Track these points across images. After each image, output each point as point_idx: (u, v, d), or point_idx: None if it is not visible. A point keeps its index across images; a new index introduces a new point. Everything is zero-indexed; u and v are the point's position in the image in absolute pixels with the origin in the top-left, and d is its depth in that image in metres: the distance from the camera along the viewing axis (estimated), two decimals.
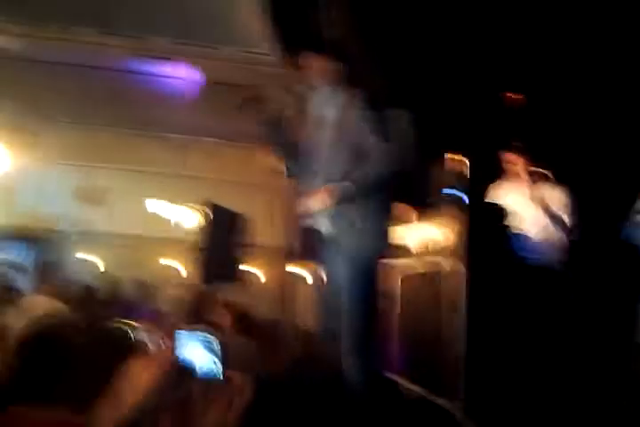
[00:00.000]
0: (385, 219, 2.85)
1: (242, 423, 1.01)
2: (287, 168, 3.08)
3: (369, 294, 2.80)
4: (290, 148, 2.95)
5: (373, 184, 2.75)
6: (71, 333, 1.75)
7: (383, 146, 2.72)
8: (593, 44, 4.62)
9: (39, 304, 2.05)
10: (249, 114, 2.87)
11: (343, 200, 2.72)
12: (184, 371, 1.04)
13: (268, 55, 5.66)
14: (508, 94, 5.24)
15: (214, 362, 1.04)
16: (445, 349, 3.34)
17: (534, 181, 4.24)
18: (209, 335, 1.06)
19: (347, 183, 2.73)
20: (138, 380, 1.04)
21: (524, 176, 4.24)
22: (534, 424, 3.09)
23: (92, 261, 10.18)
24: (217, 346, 1.05)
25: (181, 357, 1.04)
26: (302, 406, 3.20)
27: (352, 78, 2.93)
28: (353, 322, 2.75)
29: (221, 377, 1.04)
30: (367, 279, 2.79)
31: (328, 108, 2.92)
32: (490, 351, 3.26)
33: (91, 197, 10.16)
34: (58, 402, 1.37)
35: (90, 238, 10.23)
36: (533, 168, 4.25)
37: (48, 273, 9.84)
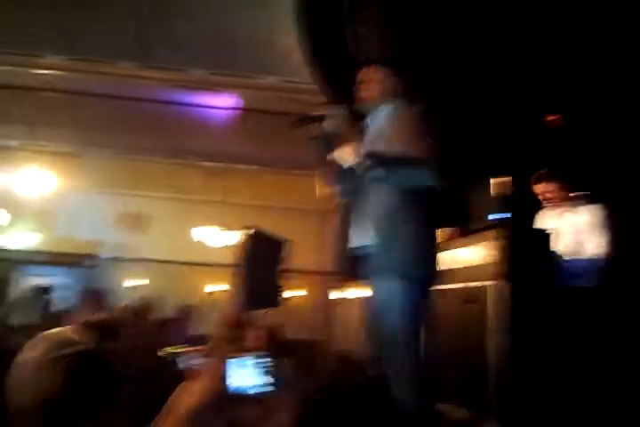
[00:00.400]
0: (428, 246, 2.84)
1: None
2: (339, 189, 3.04)
3: (410, 314, 2.71)
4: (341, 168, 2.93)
5: (407, 180, 2.72)
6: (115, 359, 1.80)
7: (427, 158, 2.68)
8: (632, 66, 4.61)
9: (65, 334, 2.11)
10: (304, 132, 2.87)
11: (372, 170, 2.72)
12: (234, 393, 1.07)
13: (307, 84, 5.76)
14: (548, 117, 5.24)
15: (265, 384, 1.08)
16: (488, 372, 3.31)
17: (571, 205, 4.22)
18: (260, 359, 1.10)
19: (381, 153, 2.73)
20: (188, 402, 1.07)
21: (558, 201, 4.23)
22: None
23: (132, 287, 10.31)
24: (268, 369, 1.09)
25: (232, 383, 1.08)
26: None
27: (404, 92, 2.93)
28: (394, 347, 2.71)
29: (271, 397, 1.07)
30: (410, 299, 2.71)
31: (381, 122, 2.93)
32: (533, 375, 3.23)
33: (132, 223, 10.37)
34: None
35: (130, 265, 10.40)
36: (570, 193, 4.24)
37: (88, 299, 10.03)
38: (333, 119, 2.92)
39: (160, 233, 10.18)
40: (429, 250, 2.82)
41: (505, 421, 3.13)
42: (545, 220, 4.32)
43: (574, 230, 4.13)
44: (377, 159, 2.74)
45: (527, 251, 3.43)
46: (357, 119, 3.05)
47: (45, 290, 8.27)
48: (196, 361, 1.88)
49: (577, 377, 3.31)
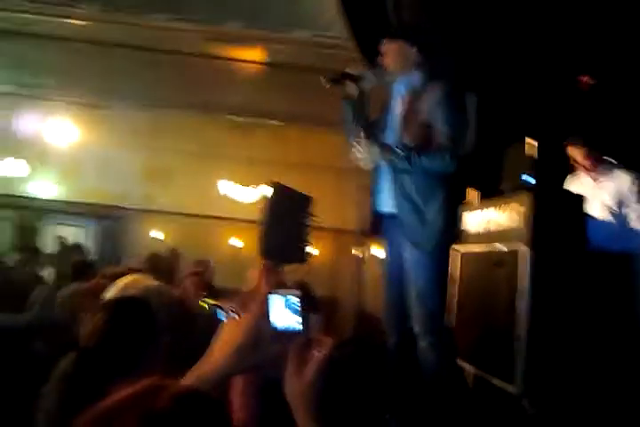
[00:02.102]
0: (451, 208, 2.88)
1: (324, 376, 1.07)
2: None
3: (437, 278, 2.86)
4: (370, 125, 2.96)
5: (429, 166, 2.76)
6: (166, 301, 1.86)
7: (451, 136, 2.73)
8: None
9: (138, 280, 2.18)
10: (335, 90, 2.87)
11: (392, 161, 2.76)
12: (269, 332, 1.11)
13: (338, 39, 5.68)
14: (581, 78, 5.15)
15: (298, 322, 1.11)
16: (509, 333, 3.34)
17: (602, 171, 4.19)
18: (295, 297, 1.12)
19: (402, 150, 2.76)
20: (229, 339, 1.11)
21: (589, 167, 4.19)
22: (592, 408, 3.10)
23: (157, 239, 10.46)
24: (301, 308, 1.12)
25: (270, 319, 1.11)
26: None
27: (427, 63, 2.93)
28: (422, 304, 2.82)
29: (306, 337, 1.10)
30: (434, 264, 2.85)
31: (405, 90, 2.93)
32: (552, 336, 3.26)
33: (157, 176, 10.45)
34: (146, 370, 1.46)
35: (155, 218, 10.54)
36: (599, 157, 4.19)
37: (116, 249, 10.24)
38: (367, 80, 2.93)
39: (185, 187, 10.24)
40: (454, 216, 2.88)
41: (529, 386, 3.17)
42: (580, 184, 4.29)
43: (611, 196, 4.10)
44: (401, 155, 2.78)
45: (556, 215, 3.41)
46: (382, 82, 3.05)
47: (74, 247, 8.41)
48: (229, 311, 1.93)
49: (602, 343, 3.33)
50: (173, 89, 8.17)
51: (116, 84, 8.22)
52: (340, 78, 2.92)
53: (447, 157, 2.73)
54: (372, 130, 2.95)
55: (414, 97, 2.89)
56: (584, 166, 4.23)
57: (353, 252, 4.60)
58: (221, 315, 2.00)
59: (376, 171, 3.03)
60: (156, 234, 10.57)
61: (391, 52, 2.98)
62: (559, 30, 4.66)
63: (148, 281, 2.01)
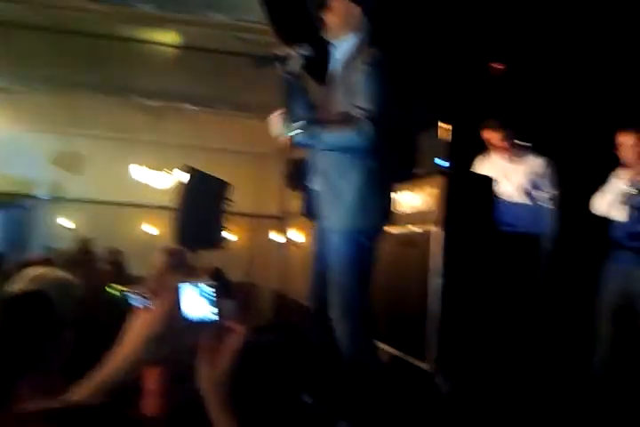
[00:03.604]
0: (376, 190, 2.77)
1: (237, 364, 1.07)
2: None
3: (355, 263, 2.75)
4: (304, 106, 2.85)
5: (344, 142, 2.68)
6: (69, 293, 1.78)
7: (370, 110, 2.61)
8: (578, 15, 4.67)
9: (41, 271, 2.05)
10: (267, 71, 2.77)
11: (303, 137, 2.68)
12: (181, 322, 1.09)
13: (256, 23, 5.60)
14: (493, 64, 5.29)
15: (212, 311, 1.09)
16: (421, 312, 3.42)
17: (515, 153, 4.33)
18: (208, 286, 1.10)
19: (306, 124, 2.68)
20: (137, 331, 1.08)
21: (504, 149, 4.31)
22: (505, 384, 3.22)
23: (68, 227, 10.10)
24: (215, 297, 1.10)
25: (183, 308, 1.09)
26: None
27: (365, 29, 2.85)
28: (338, 289, 2.75)
29: (219, 325, 1.09)
30: (351, 248, 2.75)
31: (340, 64, 2.87)
32: (463, 314, 3.36)
33: (68, 163, 10.08)
34: (50, 367, 1.41)
35: (67, 205, 10.17)
36: (514, 141, 4.32)
37: (23, 239, 9.82)
38: (297, 59, 2.83)
39: (98, 173, 9.92)
40: (379, 198, 2.81)
41: (439, 362, 3.26)
42: (491, 165, 4.40)
43: (523, 179, 4.24)
44: (302, 128, 2.70)
45: (467, 197, 3.51)
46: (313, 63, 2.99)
47: None
48: (139, 298, 1.88)
49: (511, 320, 3.46)
50: (84, 72, 7.87)
51: (23, 66, 7.84)
52: (269, 60, 2.85)
53: (354, 134, 2.64)
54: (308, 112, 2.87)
55: (345, 65, 2.85)
56: (500, 149, 4.33)
57: (271, 237, 4.56)
58: (134, 301, 1.94)
59: (304, 152, 2.98)
60: (67, 223, 10.19)
61: (337, 8, 2.85)
62: (471, 17, 4.76)
63: (51, 273, 1.91)
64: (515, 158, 4.33)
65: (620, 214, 3.96)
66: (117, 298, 2.03)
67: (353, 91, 2.71)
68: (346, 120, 2.68)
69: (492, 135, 4.36)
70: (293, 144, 2.84)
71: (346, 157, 2.73)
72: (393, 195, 2.98)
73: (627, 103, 4.71)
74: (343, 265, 2.76)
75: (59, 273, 2.00)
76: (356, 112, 2.65)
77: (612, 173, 4.04)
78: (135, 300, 1.92)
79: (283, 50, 2.86)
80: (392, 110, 2.74)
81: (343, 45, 2.88)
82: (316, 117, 2.80)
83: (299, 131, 2.68)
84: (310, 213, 2.96)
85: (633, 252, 3.82)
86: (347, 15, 2.85)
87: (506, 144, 4.32)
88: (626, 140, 3.95)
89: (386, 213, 2.89)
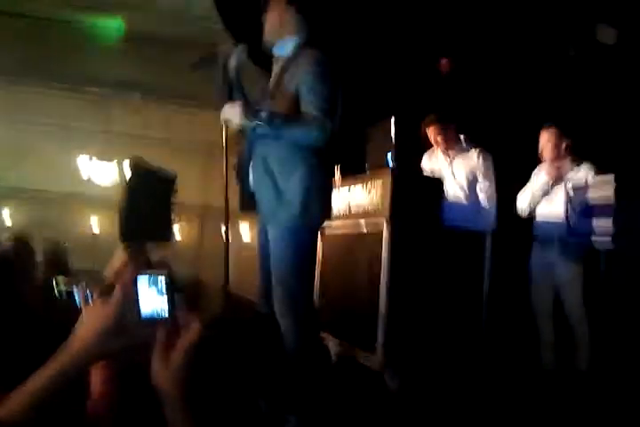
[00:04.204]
0: (318, 186, 2.75)
1: (192, 361, 1.04)
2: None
3: (295, 258, 2.74)
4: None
5: (295, 137, 2.67)
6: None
7: (319, 107, 2.61)
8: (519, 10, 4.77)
9: None
10: (204, 72, 2.75)
11: (256, 123, 2.62)
12: (136, 315, 1.05)
13: (202, 10, 5.51)
14: (441, 61, 5.35)
15: (165, 305, 1.06)
16: (367, 306, 3.45)
17: (457, 148, 4.37)
18: (161, 278, 1.07)
19: (269, 115, 2.63)
20: (88, 326, 1.05)
21: (444, 145, 4.34)
22: (450, 377, 3.28)
23: (4, 220, 9.79)
24: (167, 287, 1.07)
25: (136, 302, 1.06)
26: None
27: (304, 29, 2.84)
28: (280, 284, 2.75)
29: (170, 317, 1.06)
30: (292, 244, 2.74)
31: (280, 57, 2.85)
32: (410, 309, 3.40)
33: (7, 151, 9.76)
34: None
35: (4, 196, 9.86)
36: (454, 135, 4.36)
37: None
38: (236, 56, 2.82)
39: (37, 163, 9.63)
40: (320, 195, 2.79)
41: (388, 355, 3.29)
42: (436, 161, 4.44)
43: (463, 175, 4.28)
44: (264, 119, 2.65)
45: (410, 194, 3.53)
46: (257, 57, 2.96)
47: None
48: (81, 290, 1.82)
49: (455, 314, 3.51)
50: (20, 57, 7.61)
51: None
52: (209, 60, 2.82)
53: (314, 129, 2.64)
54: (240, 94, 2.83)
55: (286, 64, 2.82)
56: (439, 144, 4.37)
57: (220, 230, 4.51)
58: (76, 294, 1.88)
59: (246, 146, 2.96)
60: (4, 214, 9.88)
61: (272, 12, 2.87)
62: (420, 14, 4.80)
63: None
64: (456, 154, 4.36)
65: (541, 208, 4.09)
66: (60, 290, 1.96)
67: (301, 90, 2.70)
68: (306, 117, 2.66)
69: (431, 131, 4.38)
70: (244, 135, 2.81)
71: (288, 153, 2.72)
72: (333, 190, 3.00)
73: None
74: (284, 261, 2.76)
75: None
76: (313, 111, 2.65)
77: (534, 171, 4.20)
78: (78, 292, 1.86)
79: (222, 48, 2.84)
80: (340, 108, 2.75)
81: (284, 46, 2.87)
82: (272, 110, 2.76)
83: (260, 122, 2.64)
84: (248, 208, 2.95)
85: (556, 245, 3.95)
86: (283, 18, 2.85)
87: (445, 139, 4.33)
88: (542, 136, 4.14)
89: (326, 209, 2.88)
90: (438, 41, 5.13)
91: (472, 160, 4.29)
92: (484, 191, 4.24)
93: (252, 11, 2.98)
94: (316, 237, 2.89)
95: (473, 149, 4.32)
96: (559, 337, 4.03)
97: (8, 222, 9.55)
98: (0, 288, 2.22)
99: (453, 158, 4.37)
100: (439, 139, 4.35)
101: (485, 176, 4.26)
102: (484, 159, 4.27)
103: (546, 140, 4.10)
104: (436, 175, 4.20)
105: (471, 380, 3.32)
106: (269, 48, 2.93)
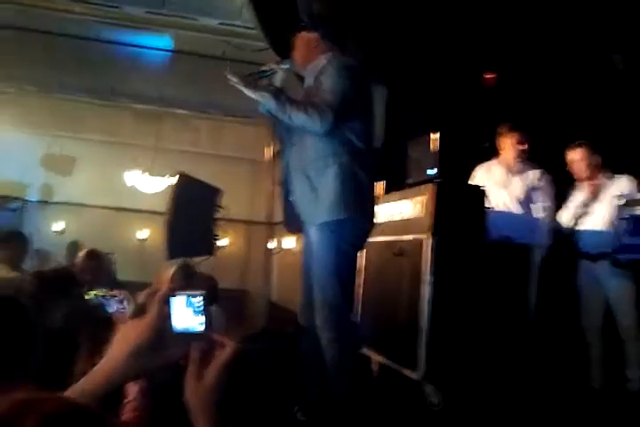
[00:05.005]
0: (349, 189, 2.77)
1: (226, 380, 1.06)
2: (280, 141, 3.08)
3: (336, 267, 2.75)
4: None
5: (301, 121, 2.75)
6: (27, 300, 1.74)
7: (325, 98, 2.73)
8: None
9: None
10: (253, 88, 2.84)
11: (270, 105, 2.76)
12: (171, 334, 1.07)
13: (247, 28, 5.62)
14: (485, 74, 5.32)
15: (200, 324, 1.08)
16: (412, 321, 3.42)
17: (521, 166, 4.26)
18: (197, 298, 1.09)
19: (275, 91, 2.79)
20: (124, 343, 1.07)
21: (517, 154, 4.26)
22: (491, 391, 3.22)
23: (58, 231, 10.03)
24: (204, 308, 1.09)
25: (171, 320, 1.08)
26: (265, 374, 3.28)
27: (333, 49, 2.96)
28: (322, 293, 2.76)
29: (207, 338, 1.08)
30: (334, 251, 2.76)
31: (312, 76, 2.95)
32: (453, 324, 3.36)
33: (58, 166, 10.03)
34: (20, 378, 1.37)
35: (57, 209, 10.11)
36: (526, 145, 4.28)
37: (9, 242, 9.67)
38: (281, 74, 2.94)
39: (88, 177, 9.87)
40: (353, 190, 2.81)
41: (430, 372, 3.25)
42: (490, 176, 4.37)
43: (520, 189, 4.24)
44: (272, 92, 2.79)
45: (457, 206, 3.50)
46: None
47: None
48: (125, 305, 1.86)
49: (500, 331, 3.46)
50: (76, 75, 7.86)
51: (13, 69, 7.82)
52: (252, 79, 2.92)
53: (315, 115, 2.71)
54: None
55: (317, 74, 2.92)
56: (512, 154, 4.28)
57: (265, 243, 4.54)
58: (109, 307, 1.92)
59: (284, 160, 3.02)
60: (56, 226, 10.13)
61: (299, 44, 3.03)
62: (465, 27, 4.78)
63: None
64: (514, 169, 4.31)
65: (584, 224, 4.05)
66: (94, 303, 2.01)
67: (318, 89, 2.83)
68: (311, 103, 2.78)
69: (505, 140, 4.32)
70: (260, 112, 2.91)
71: (321, 153, 2.81)
72: (373, 195, 3.02)
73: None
74: (323, 262, 2.78)
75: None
76: (318, 99, 2.77)
77: (571, 188, 4.16)
78: (111, 305, 1.91)
79: (268, 66, 2.96)
80: (356, 107, 2.82)
81: (317, 65, 3.00)
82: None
83: (267, 93, 2.77)
84: (291, 224, 3.01)
85: (605, 263, 3.88)
86: (307, 46, 3.02)
87: (519, 148, 4.27)
88: (573, 156, 4.14)
89: (364, 211, 2.89)
90: (482, 54, 5.11)
91: (532, 180, 4.25)
92: (545, 211, 4.21)
93: (294, 28, 3.08)
94: (357, 242, 2.90)
95: (534, 169, 4.27)
96: (609, 355, 3.95)
97: (59, 235, 9.79)
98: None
99: (514, 174, 4.30)
100: (521, 148, 4.26)
101: (547, 196, 4.23)
102: (546, 180, 4.25)
103: (579, 160, 4.12)
104: (489, 188, 4.14)
105: (515, 396, 3.26)
106: (302, 70, 3.07)
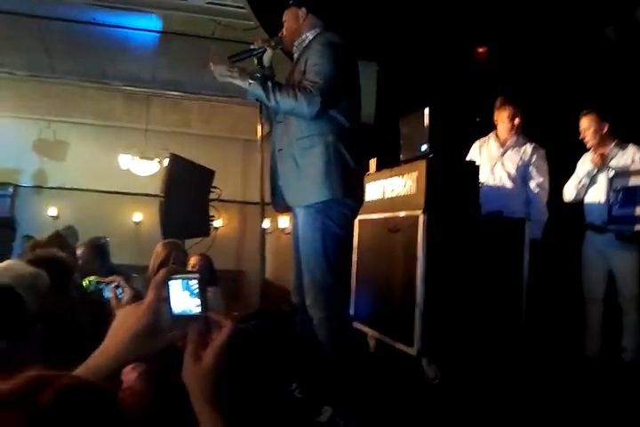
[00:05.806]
0: (335, 170, 2.72)
1: (224, 360, 1.07)
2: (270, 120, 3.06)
3: (322, 246, 2.73)
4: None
5: (289, 106, 2.70)
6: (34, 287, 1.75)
7: (312, 79, 2.68)
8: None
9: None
10: (238, 76, 2.81)
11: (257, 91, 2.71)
12: (168, 317, 1.08)
13: (235, 7, 5.55)
14: (476, 48, 5.28)
15: (197, 306, 1.09)
16: (405, 297, 3.44)
17: (515, 140, 4.23)
18: (193, 281, 1.10)
19: (262, 78, 2.75)
20: (122, 327, 1.08)
21: (511, 128, 4.22)
22: (487, 365, 3.26)
23: (52, 215, 10.03)
24: (200, 291, 1.10)
25: (168, 304, 1.09)
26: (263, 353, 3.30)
27: (319, 25, 2.92)
28: (310, 274, 2.76)
29: (204, 319, 1.09)
30: (319, 228, 2.74)
31: (299, 50, 2.93)
32: (447, 299, 3.38)
33: (52, 151, 9.99)
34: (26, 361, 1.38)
35: (49, 193, 10.08)
36: (520, 119, 4.23)
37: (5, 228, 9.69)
38: (269, 52, 2.92)
39: (80, 160, 9.84)
40: (339, 169, 2.76)
41: (427, 348, 3.28)
42: (486, 152, 4.37)
43: (514, 165, 4.23)
44: (258, 79, 2.75)
45: (449, 182, 3.50)
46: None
47: None
48: (123, 289, 1.86)
49: (494, 305, 3.48)
50: (64, 58, 7.78)
51: (1, 52, 7.74)
52: (240, 55, 2.89)
53: (303, 100, 2.66)
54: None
55: (304, 49, 2.90)
56: (507, 128, 4.26)
57: (259, 223, 4.53)
58: (107, 292, 1.93)
59: (272, 141, 3.00)
60: (52, 212, 10.12)
61: (287, 18, 2.99)
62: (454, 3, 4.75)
63: (20, 267, 1.87)
64: (508, 143, 4.29)
65: (588, 196, 4.04)
66: (91, 289, 2.00)
67: (305, 68, 2.78)
68: (298, 86, 2.72)
69: (499, 114, 4.29)
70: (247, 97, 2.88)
71: (306, 133, 2.77)
72: (362, 175, 2.99)
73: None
74: (310, 243, 2.77)
75: (27, 267, 1.96)
76: (306, 82, 2.71)
77: (579, 162, 4.15)
78: (109, 291, 1.92)
79: (257, 44, 2.94)
80: (343, 87, 2.77)
81: (304, 40, 2.96)
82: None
83: (253, 81, 2.73)
84: (278, 203, 3.00)
85: (610, 234, 3.89)
86: (293, 21, 2.97)
87: (514, 122, 4.24)
88: (581, 124, 4.12)
89: (351, 191, 2.82)
90: (473, 28, 5.07)
91: (525, 154, 4.22)
92: (540, 186, 4.19)
93: (283, 6, 3.05)
94: (346, 223, 2.86)
95: (528, 144, 4.25)
96: (607, 326, 3.98)
97: (53, 219, 9.78)
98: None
99: (507, 149, 4.29)
100: (516, 122, 4.25)
101: (540, 172, 4.20)
102: (538, 155, 4.21)
103: (586, 127, 4.07)
104: (483, 163, 4.13)
105: (510, 368, 3.29)
106: (290, 46, 3.02)
